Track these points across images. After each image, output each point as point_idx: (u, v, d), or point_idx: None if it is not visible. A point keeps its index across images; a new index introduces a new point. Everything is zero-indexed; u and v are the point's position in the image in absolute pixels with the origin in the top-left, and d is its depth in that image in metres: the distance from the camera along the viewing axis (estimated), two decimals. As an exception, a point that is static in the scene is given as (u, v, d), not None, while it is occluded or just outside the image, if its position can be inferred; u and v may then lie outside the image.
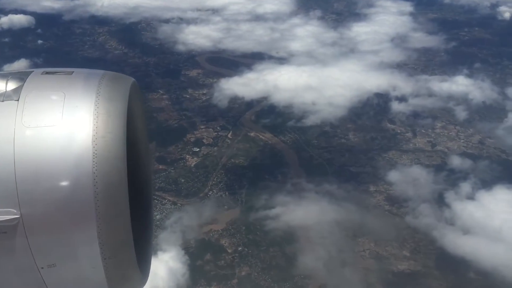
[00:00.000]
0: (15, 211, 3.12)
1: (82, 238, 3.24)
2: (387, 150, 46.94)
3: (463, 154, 46.08)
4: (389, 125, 50.43)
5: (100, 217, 3.19)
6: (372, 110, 51.88)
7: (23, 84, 3.38)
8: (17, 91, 3.34)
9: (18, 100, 3.29)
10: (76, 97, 3.34)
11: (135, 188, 3.82)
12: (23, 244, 3.19)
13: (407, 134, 49.22)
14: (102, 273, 3.36)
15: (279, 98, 51.80)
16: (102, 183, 3.16)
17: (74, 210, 3.17)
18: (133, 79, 3.62)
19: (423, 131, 49.68)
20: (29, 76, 3.47)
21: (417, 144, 48.04)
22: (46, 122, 3.22)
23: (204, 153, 45.96)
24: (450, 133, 49.47)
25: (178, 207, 39.34)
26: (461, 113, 50.71)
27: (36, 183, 3.13)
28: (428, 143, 48.28)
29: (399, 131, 49.52)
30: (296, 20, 67.58)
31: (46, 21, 70.62)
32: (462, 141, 48.45)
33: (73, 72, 3.54)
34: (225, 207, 39.90)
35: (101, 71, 3.54)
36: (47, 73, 3.54)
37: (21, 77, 3.44)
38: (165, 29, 67.47)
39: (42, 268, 3.27)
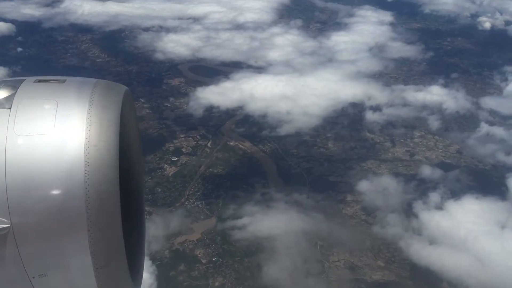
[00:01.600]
0: (6, 220, 3.07)
1: (73, 248, 3.19)
2: (365, 160, 47.05)
3: (441, 164, 46.31)
4: (368, 134, 50.61)
5: (91, 226, 3.14)
6: (346, 119, 51.99)
7: (15, 92, 3.33)
8: (9, 99, 3.30)
9: (10, 108, 3.25)
10: (68, 105, 3.30)
11: (128, 197, 3.75)
12: (14, 253, 3.14)
13: (386, 144, 49.37)
14: (93, 282, 3.32)
15: (255, 107, 51.85)
16: (94, 192, 3.12)
17: (65, 219, 3.13)
18: (126, 88, 3.58)
19: (402, 140, 49.88)
20: (21, 84, 3.42)
21: (395, 154, 48.20)
22: (38, 130, 3.17)
23: (183, 162, 45.74)
24: (429, 143, 49.74)
25: (154, 217, 38.98)
26: (434, 123, 51.06)
27: (27, 192, 3.09)
28: (406, 153, 48.45)
29: (378, 141, 49.67)
30: (276, 29, 67.81)
31: (28, 28, 70.24)
32: (440, 150, 48.74)
33: (65, 80, 3.50)
34: (201, 217, 39.64)
35: (94, 80, 3.50)
36: (39, 81, 3.48)
37: (13, 85, 3.40)
38: (146, 37, 67.44)
39: (33, 277, 3.22)
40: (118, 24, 71.07)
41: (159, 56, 63.40)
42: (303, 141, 48.99)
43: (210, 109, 52.48)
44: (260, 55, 62.01)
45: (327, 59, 60.89)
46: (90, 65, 62.65)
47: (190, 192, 42.07)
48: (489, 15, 75.30)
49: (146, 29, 69.87)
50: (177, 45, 64.92)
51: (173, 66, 62.48)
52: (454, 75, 59.37)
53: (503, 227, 37.25)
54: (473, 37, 71.14)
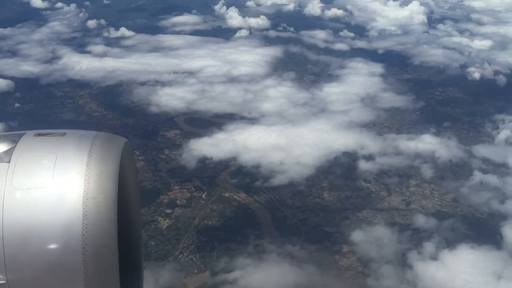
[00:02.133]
0: (1, 276, 3.02)
1: None
2: (361, 209, 46.74)
3: (438, 213, 46.04)
4: (363, 183, 50.46)
5: (88, 281, 3.08)
6: (340, 169, 51.84)
7: (15, 146, 3.36)
8: (8, 153, 3.31)
9: (9, 162, 3.26)
10: (67, 158, 3.30)
11: (126, 250, 3.69)
12: None
13: (381, 193, 49.15)
14: None
15: (249, 158, 51.86)
16: (92, 246, 3.08)
17: (62, 275, 3.08)
18: (125, 140, 3.60)
19: (397, 189, 49.70)
20: (21, 138, 3.45)
21: (391, 203, 47.90)
22: (37, 184, 3.17)
23: (177, 214, 45.30)
24: (425, 192, 49.51)
25: (147, 272, 38.08)
26: (428, 171, 50.98)
27: (24, 247, 3.04)
28: (402, 202, 48.18)
29: (373, 190, 49.48)
30: (269, 82, 68.85)
31: (26, 85, 71.56)
32: (436, 199, 48.49)
33: (65, 133, 3.52)
34: (195, 271, 38.85)
35: (94, 132, 3.53)
36: (39, 135, 3.53)
37: (13, 139, 3.42)
38: (142, 91, 68.55)
39: None
40: (115, 79, 72.44)
41: (154, 109, 64.26)
42: (298, 191, 48.80)
43: (203, 161, 52.54)
44: (254, 106, 62.75)
45: (320, 110, 61.58)
46: (87, 119, 63.24)
47: (184, 245, 41.42)
48: (477, 65, 76.82)
49: (143, 83, 71.11)
50: (172, 98, 65.88)
51: (169, 119, 63.12)
52: (446, 123, 59.88)
53: (499, 277, 36.37)
54: (464, 86, 72.41)
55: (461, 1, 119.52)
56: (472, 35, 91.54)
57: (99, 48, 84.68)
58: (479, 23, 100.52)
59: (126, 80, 72.02)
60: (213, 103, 64.47)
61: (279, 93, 65.41)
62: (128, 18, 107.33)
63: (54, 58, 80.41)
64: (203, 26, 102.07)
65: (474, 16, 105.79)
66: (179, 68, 74.82)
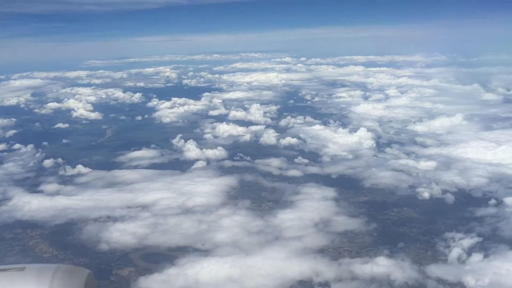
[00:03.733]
0: None
1: None
2: None
3: None
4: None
5: None
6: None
7: None
8: None
9: None
10: None
11: None
12: None
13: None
14: None
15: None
16: None
17: None
18: (88, 271, 3.37)
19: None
20: None
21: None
22: None
23: None
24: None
25: None
26: (384, 296, 49.94)
27: None
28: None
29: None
30: (224, 211, 68.77)
31: (-29, 229, 68.88)
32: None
33: (25, 268, 3.27)
34: None
35: (55, 265, 3.29)
36: None
37: None
38: (94, 228, 67.00)
39: None
40: (66, 217, 70.86)
41: (106, 246, 62.37)
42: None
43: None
44: (207, 237, 61.75)
45: (274, 237, 61.02)
46: (36, 261, 60.37)
47: None
48: (425, 185, 79.91)
49: (95, 220, 69.76)
50: (124, 234, 64.28)
51: (124, 255, 61.05)
52: (400, 244, 60.20)
53: None
54: (417, 206, 74.32)
55: (405, 126, 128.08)
56: (418, 157, 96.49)
57: (52, 187, 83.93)
58: (423, 145, 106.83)
59: (78, 217, 70.50)
60: (166, 237, 63.07)
61: (233, 223, 65.02)
62: (86, 155, 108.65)
63: (3, 199, 78.85)
64: (160, 160, 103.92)
65: (418, 139, 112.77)
66: (132, 203, 74.24)
